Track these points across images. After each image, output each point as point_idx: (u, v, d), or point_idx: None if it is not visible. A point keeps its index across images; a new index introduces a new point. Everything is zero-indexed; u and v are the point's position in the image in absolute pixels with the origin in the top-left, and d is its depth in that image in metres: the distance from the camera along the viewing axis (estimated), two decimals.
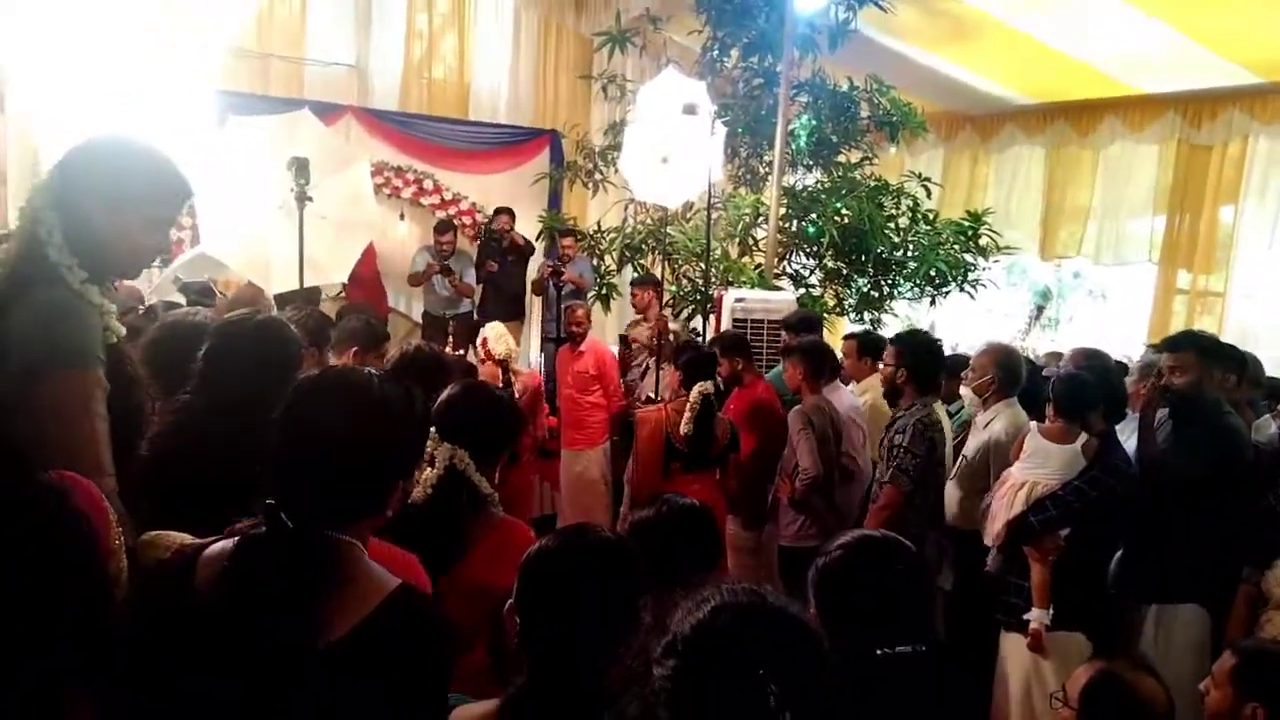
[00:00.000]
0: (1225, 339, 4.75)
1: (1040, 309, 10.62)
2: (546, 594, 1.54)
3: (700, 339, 6.32)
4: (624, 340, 6.91)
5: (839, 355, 5.24)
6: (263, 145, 5.27)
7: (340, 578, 1.37)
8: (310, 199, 4.88)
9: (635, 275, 7.56)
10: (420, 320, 8.28)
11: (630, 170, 6.05)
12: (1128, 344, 7.00)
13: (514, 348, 5.55)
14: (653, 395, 5.61)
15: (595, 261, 8.13)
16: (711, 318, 6.47)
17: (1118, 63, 7.73)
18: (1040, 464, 3.53)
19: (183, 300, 4.81)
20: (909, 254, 7.32)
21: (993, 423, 4.13)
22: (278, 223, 5.05)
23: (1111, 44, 7.39)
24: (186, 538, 1.56)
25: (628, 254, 7.93)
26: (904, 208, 7.57)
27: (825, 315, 7.30)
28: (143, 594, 1.48)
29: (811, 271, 7.73)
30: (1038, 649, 3.39)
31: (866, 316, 7.63)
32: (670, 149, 5.63)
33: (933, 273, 7.17)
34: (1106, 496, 3.40)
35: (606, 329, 8.91)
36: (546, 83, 9.63)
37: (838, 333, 7.18)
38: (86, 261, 1.90)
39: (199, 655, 1.34)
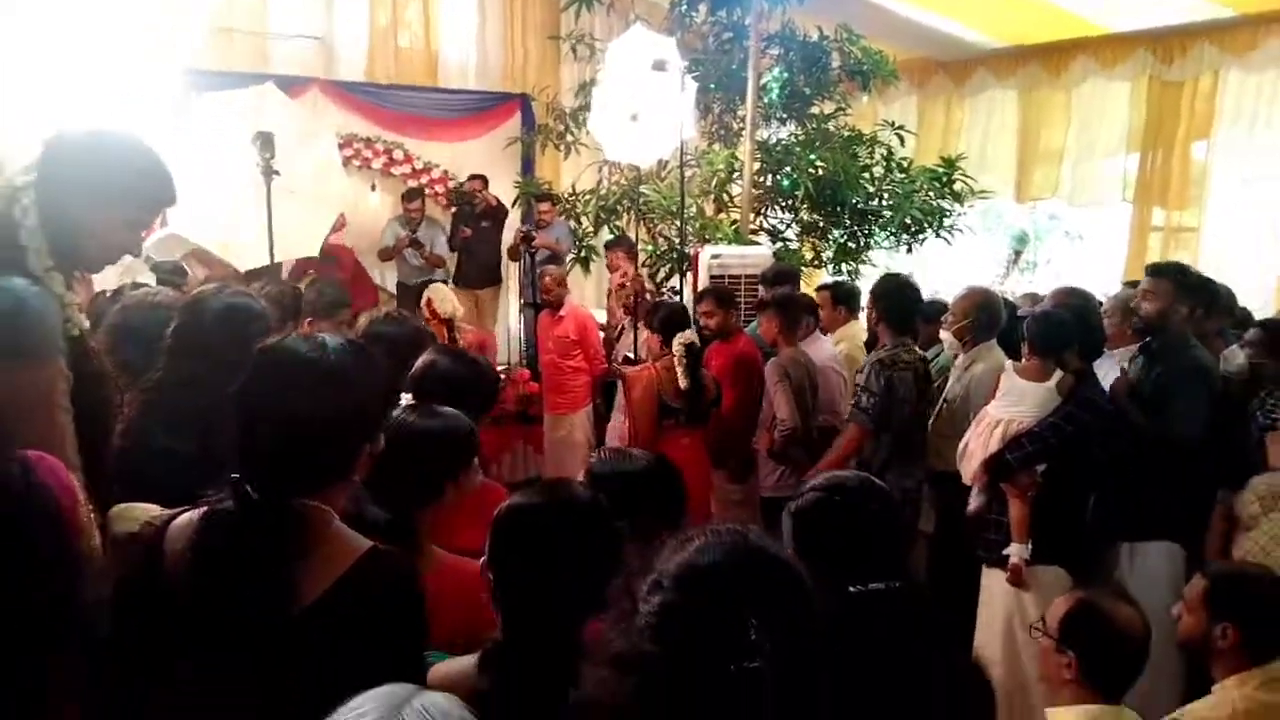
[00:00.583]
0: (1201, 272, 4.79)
1: (1018, 252, 10.65)
2: (517, 548, 1.54)
3: (679, 296, 6.32)
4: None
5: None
6: (228, 121, 5.21)
7: (310, 544, 1.38)
8: (277, 173, 4.83)
9: (610, 237, 7.53)
10: (395, 291, 8.24)
11: (600, 129, 6.02)
12: (1105, 284, 7.03)
13: (459, 307, 5.63)
14: (630, 355, 5.61)
15: (572, 224, 8.10)
16: (689, 275, 6.47)
17: (1086, 2, 7.68)
18: (1016, 402, 3.56)
19: (153, 281, 4.77)
20: (884, 203, 7.30)
21: (972, 366, 4.17)
22: (246, 198, 5.00)
23: None
24: (155, 509, 1.57)
25: (603, 215, 7.89)
26: (878, 157, 7.55)
27: (803, 268, 7.31)
28: (114, 567, 1.49)
29: (788, 225, 7.71)
30: (1018, 583, 3.45)
31: (844, 268, 7.62)
32: (640, 106, 5.60)
33: (908, 220, 7.16)
34: (1082, 432, 3.44)
35: (586, 291, 8.90)
36: (515, 45, 9.50)
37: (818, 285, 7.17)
38: (56, 249, 1.87)
39: (173, 626, 1.36)
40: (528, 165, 9.04)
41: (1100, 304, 4.34)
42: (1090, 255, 9.87)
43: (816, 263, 7.75)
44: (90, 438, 1.91)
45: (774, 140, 7.66)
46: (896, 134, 7.66)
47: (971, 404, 4.06)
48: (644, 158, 6.37)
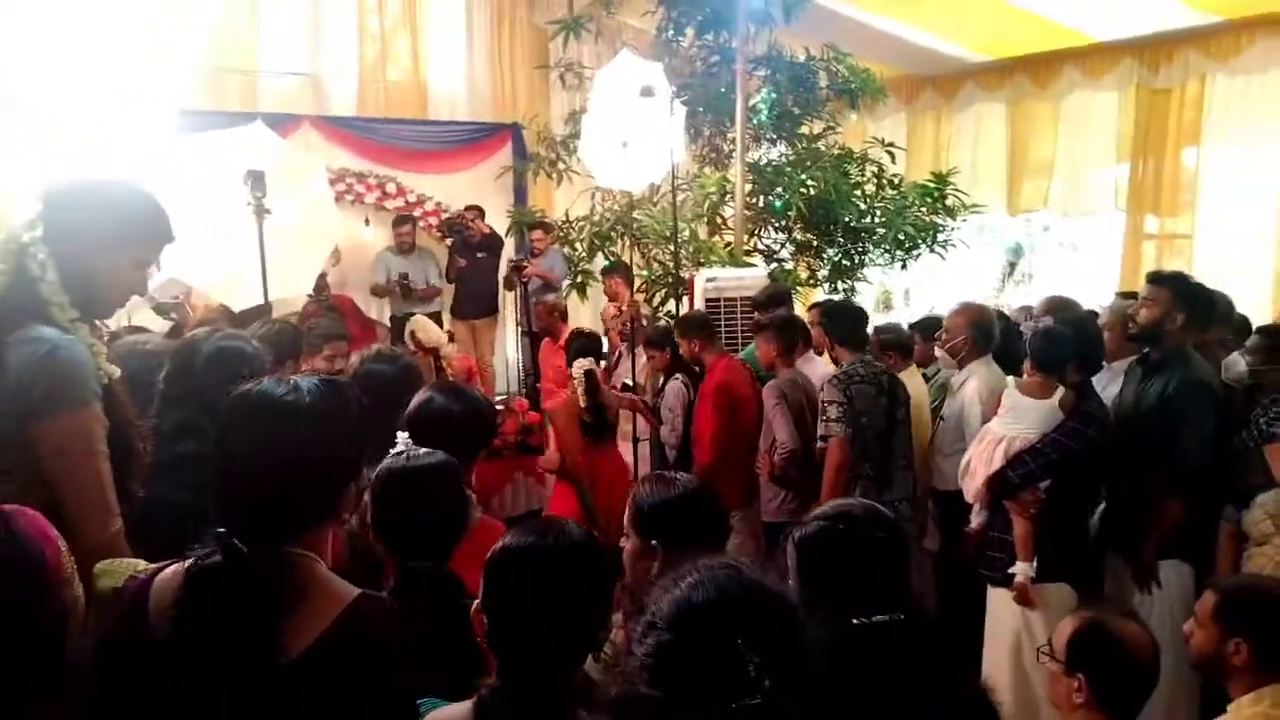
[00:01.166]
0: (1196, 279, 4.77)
1: (1013, 265, 10.65)
2: (509, 592, 1.52)
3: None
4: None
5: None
6: (219, 160, 5.20)
7: (296, 594, 1.36)
8: (269, 211, 4.82)
9: (606, 263, 7.53)
10: (389, 324, 8.24)
11: (591, 156, 6.02)
12: (1100, 293, 7.03)
13: (443, 336, 5.80)
14: (629, 382, 5.59)
15: (567, 251, 8.10)
16: (685, 299, 6.46)
17: (1071, 12, 7.72)
18: (1018, 419, 3.54)
19: (153, 323, 4.79)
20: (877, 220, 7.31)
21: (968, 382, 4.15)
22: (239, 238, 4.99)
23: None
24: (141, 564, 1.55)
25: (597, 242, 7.90)
26: (869, 174, 7.56)
27: (798, 287, 7.31)
28: (99, 622, 1.48)
29: (782, 245, 7.72)
30: (1025, 602, 3.41)
31: (840, 286, 7.63)
32: (629, 133, 5.58)
33: (901, 237, 7.17)
34: (1085, 447, 3.41)
35: (583, 319, 8.89)
36: (504, 76, 9.56)
37: (810, 304, 7.17)
38: (76, 300, 1.91)
39: (157, 682, 1.34)
40: (521, 194, 9.07)
41: (1087, 314, 4.32)
42: (1085, 265, 9.87)
43: (812, 282, 7.76)
44: (122, 483, 1.96)
45: (765, 161, 7.68)
46: (887, 150, 7.69)
47: (967, 420, 4.04)
48: (635, 183, 6.37)
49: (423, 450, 2.10)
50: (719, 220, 7.48)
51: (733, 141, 7.25)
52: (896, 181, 7.55)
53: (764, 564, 1.28)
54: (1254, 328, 4.34)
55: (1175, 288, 3.61)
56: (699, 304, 5.96)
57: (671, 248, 6.73)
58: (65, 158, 4.73)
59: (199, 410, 2.31)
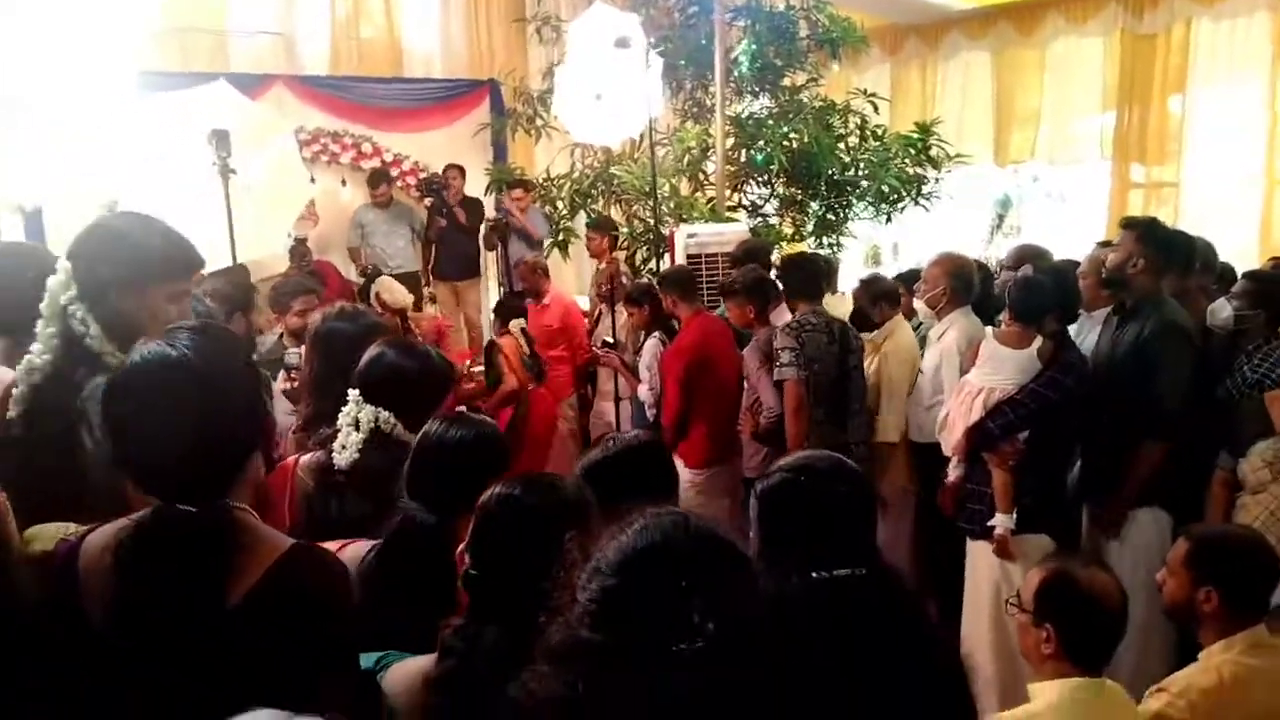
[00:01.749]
0: (1182, 227, 4.70)
1: (1001, 217, 10.56)
2: (495, 538, 1.55)
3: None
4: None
5: None
6: (183, 121, 5.09)
7: (234, 545, 1.40)
8: (234, 171, 4.72)
9: (588, 220, 7.43)
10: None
11: (565, 111, 5.92)
12: (1087, 243, 6.97)
13: (409, 298, 5.65)
14: (610, 340, 5.53)
15: (548, 209, 7.99)
16: (666, 256, 6.38)
17: None
18: (996, 369, 3.49)
19: None
20: (860, 173, 7.21)
21: (947, 333, 4.10)
22: (206, 199, 4.89)
23: None
24: (72, 527, 1.53)
25: (577, 199, 7.79)
26: (852, 126, 7.45)
27: (783, 243, 7.22)
28: (32, 585, 1.47)
29: (766, 200, 7.62)
30: (1004, 554, 3.39)
31: (825, 241, 7.54)
32: (604, 86, 5.49)
33: (885, 189, 7.07)
34: (1064, 397, 3.37)
35: (567, 277, 8.81)
36: (479, 31, 9.38)
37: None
38: (123, 345, 1.90)
39: (90, 641, 1.37)
40: (500, 152, 8.92)
41: (1066, 263, 4.27)
42: (1073, 215, 9.79)
43: (797, 237, 7.66)
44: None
45: (747, 114, 7.56)
46: (870, 101, 7.56)
47: (946, 372, 4.00)
48: (611, 138, 6.27)
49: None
50: (700, 175, 7.37)
51: (714, 95, 7.13)
52: (880, 133, 7.43)
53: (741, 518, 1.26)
54: (1240, 274, 4.29)
55: (1139, 231, 3.55)
56: (679, 260, 5.89)
57: (651, 204, 6.64)
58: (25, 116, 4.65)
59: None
